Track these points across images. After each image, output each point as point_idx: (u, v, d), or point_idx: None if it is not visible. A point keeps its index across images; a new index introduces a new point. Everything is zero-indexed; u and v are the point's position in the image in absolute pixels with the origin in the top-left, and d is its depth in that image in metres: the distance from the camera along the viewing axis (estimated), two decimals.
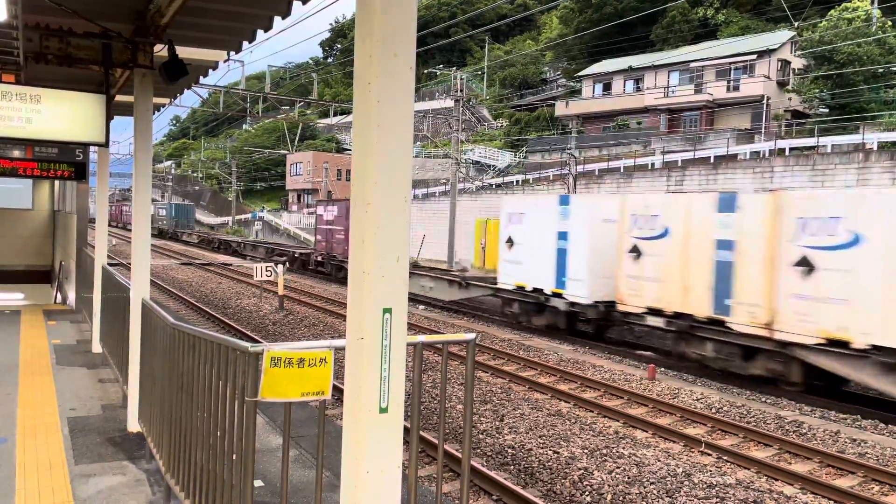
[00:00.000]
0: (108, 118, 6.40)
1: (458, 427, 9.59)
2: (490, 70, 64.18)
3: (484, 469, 7.76)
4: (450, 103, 36.35)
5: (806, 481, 7.96)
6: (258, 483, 5.36)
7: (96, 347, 9.30)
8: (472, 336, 3.51)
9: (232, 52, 6.93)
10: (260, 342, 11.74)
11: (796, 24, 40.81)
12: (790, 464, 8.66)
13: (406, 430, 3.63)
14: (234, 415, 3.24)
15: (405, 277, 2.06)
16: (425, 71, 54.34)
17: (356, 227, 2.03)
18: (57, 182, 14.46)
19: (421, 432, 8.02)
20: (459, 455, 7.69)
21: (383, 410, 2.04)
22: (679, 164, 35.58)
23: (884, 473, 8.17)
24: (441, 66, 49.36)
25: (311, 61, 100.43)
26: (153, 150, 7.29)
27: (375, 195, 1.99)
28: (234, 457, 3.21)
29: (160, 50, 6.02)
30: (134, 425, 6.09)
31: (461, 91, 33.47)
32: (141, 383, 5.83)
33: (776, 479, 8.11)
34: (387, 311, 2.02)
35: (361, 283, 2.00)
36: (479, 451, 8.86)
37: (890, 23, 37.59)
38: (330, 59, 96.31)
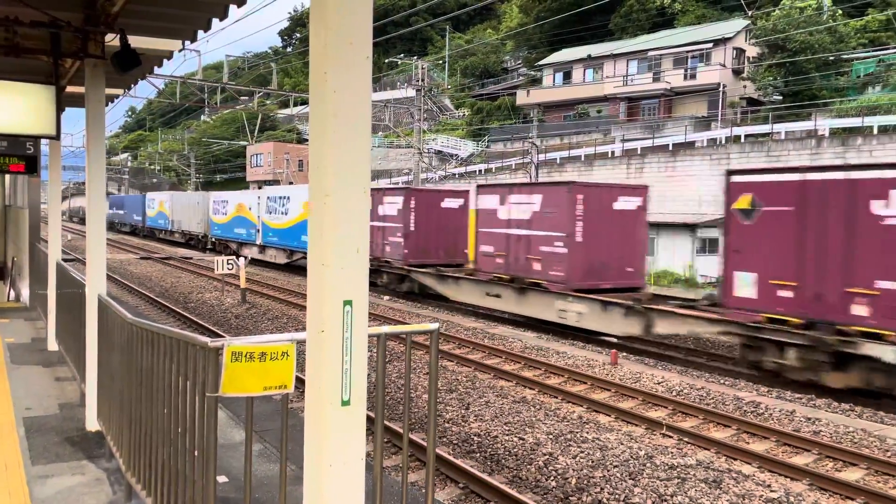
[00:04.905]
0: (59, 110, 6.22)
1: (425, 417, 9.62)
2: (451, 59, 64.04)
3: (450, 457, 7.81)
4: (411, 93, 36.23)
5: (763, 460, 8.19)
6: (222, 478, 5.31)
7: (52, 345, 9.08)
8: (435, 326, 3.51)
9: (187, 42, 6.78)
10: (222, 336, 11.61)
11: (750, 12, 41.56)
12: (748, 443, 8.89)
13: (371, 420, 3.62)
14: (195, 411, 3.20)
15: (365, 269, 2.06)
16: (386, 60, 54.02)
17: (315, 218, 2.01)
18: (7, 176, 14.01)
19: (386, 423, 8.03)
20: (425, 444, 7.72)
21: (345, 403, 2.03)
22: (638, 151, 36.09)
23: (837, 450, 8.45)
24: (402, 55, 49.19)
25: (270, 51, 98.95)
26: (107, 142, 7.10)
27: (333, 186, 1.97)
28: (196, 453, 3.17)
29: (112, 39, 5.86)
30: (93, 424, 5.97)
31: (422, 80, 33.34)
32: (99, 381, 5.71)
33: (735, 459, 8.33)
34: (347, 303, 2.01)
35: (321, 275, 1.98)
36: (445, 439, 8.91)
37: (840, 12, 38.55)
38: (289, 49, 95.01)
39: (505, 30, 65.20)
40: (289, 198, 29.11)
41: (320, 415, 2.02)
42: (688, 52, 43.99)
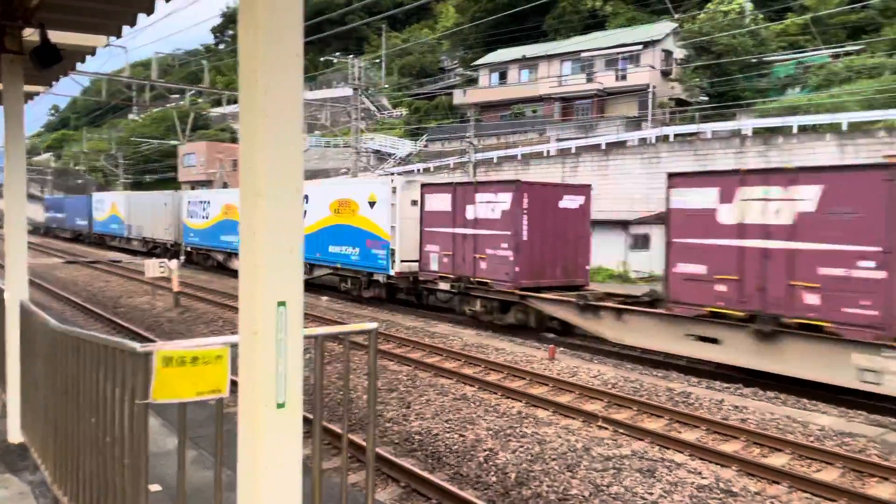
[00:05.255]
0: None
1: (365, 417, 9.58)
2: (388, 58, 63.82)
3: (391, 457, 7.80)
4: (348, 91, 35.96)
5: (694, 448, 8.49)
6: (155, 487, 5.16)
7: None
8: (373, 325, 3.51)
9: (112, 38, 6.55)
10: (154, 341, 11.25)
11: (676, 15, 42.93)
12: (680, 433, 9.19)
13: (309, 422, 3.59)
14: (124, 419, 3.10)
15: (300, 269, 2.04)
16: (322, 59, 53.35)
17: (246, 219, 1.98)
18: None
19: (327, 424, 7.96)
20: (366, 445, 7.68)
21: (281, 406, 2.01)
22: (573, 150, 36.79)
23: (763, 437, 8.83)
24: (337, 53, 48.66)
25: (202, 48, 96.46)
26: (28, 141, 6.81)
27: (265, 186, 1.95)
28: (127, 462, 3.08)
29: (31, 34, 5.62)
30: (16, 436, 5.71)
31: (359, 79, 33.13)
32: (22, 391, 5.47)
33: (668, 448, 8.60)
34: (281, 304, 1.99)
35: (254, 276, 1.96)
36: (386, 439, 8.89)
37: (762, 16, 40.21)
38: (222, 46, 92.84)
39: (441, 29, 65.38)
40: (307, 197, 22.78)
41: (255, 418, 1.99)
42: (618, 53, 45.07)
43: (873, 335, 10.16)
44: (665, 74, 44.12)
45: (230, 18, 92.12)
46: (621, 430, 9.20)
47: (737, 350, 11.82)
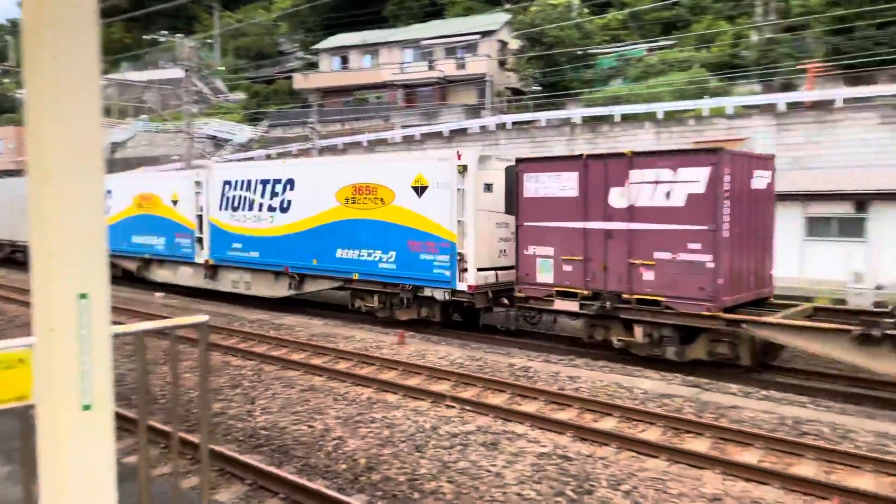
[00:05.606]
0: None
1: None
2: (222, 39, 60.80)
3: (235, 454, 7.49)
4: (179, 73, 33.86)
5: (534, 419, 8.93)
6: None
7: None
8: (204, 318, 3.33)
9: None
10: None
11: (507, 6, 44.53)
12: (521, 405, 9.62)
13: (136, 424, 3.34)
14: None
15: (104, 257, 1.85)
16: (146, 37, 49.80)
17: (36, 202, 1.76)
18: None
19: (159, 425, 7.49)
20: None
21: (87, 407, 1.82)
22: (417, 137, 37.19)
23: (595, 403, 9.47)
24: (165, 32, 45.54)
25: (8, 22, 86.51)
26: None
27: (55, 165, 1.74)
28: None
29: None
30: None
31: (190, 60, 31.29)
32: None
33: (510, 421, 8.97)
34: (83, 296, 1.79)
35: (47, 266, 1.74)
36: (230, 437, 8.54)
37: (587, 10, 42.72)
38: None
39: (278, 11, 63.21)
40: (292, 181, 17.40)
41: (56, 422, 1.79)
42: (457, 42, 46.02)
43: None
44: (502, 64, 45.68)
45: None
46: (467, 408, 9.48)
47: None
